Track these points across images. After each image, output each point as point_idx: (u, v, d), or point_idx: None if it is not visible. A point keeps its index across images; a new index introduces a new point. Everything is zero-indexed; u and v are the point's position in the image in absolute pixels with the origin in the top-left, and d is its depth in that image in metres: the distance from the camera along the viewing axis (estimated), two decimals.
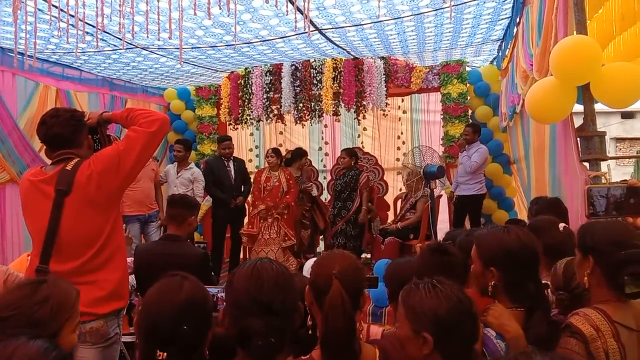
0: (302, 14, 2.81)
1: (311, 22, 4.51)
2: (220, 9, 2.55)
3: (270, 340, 1.29)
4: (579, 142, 2.87)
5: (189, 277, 1.50)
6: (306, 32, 3.44)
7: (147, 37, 3.74)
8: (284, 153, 7.68)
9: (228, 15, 2.67)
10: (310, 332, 1.70)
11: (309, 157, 7.52)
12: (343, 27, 4.81)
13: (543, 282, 1.85)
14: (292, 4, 2.47)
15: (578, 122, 2.93)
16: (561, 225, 2.31)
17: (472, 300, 1.42)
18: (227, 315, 1.40)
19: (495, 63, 6.58)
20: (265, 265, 1.42)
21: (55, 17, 2.94)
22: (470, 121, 6.73)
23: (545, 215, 2.64)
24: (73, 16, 2.93)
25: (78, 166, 2.21)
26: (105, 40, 4.69)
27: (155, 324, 1.39)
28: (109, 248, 2.27)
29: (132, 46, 4.96)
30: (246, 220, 6.64)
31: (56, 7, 2.90)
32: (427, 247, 2.11)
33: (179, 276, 1.48)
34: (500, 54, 6.00)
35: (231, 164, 6.25)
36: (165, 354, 1.37)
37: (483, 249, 1.81)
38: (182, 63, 4.41)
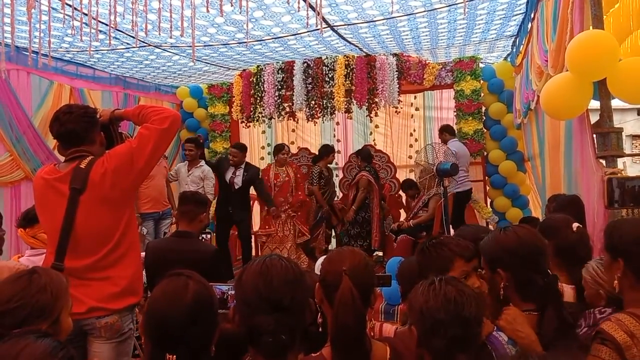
0: (314, 10, 2.79)
1: (323, 19, 4.50)
2: (232, 5, 2.54)
3: (280, 337, 1.28)
4: (595, 138, 2.83)
5: (193, 275, 1.49)
6: (318, 29, 3.42)
7: (159, 34, 3.74)
8: (295, 151, 7.69)
9: (240, 13, 2.66)
10: (320, 329, 1.69)
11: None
12: (355, 23, 4.79)
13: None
14: (305, 0, 2.46)
15: (594, 119, 2.88)
16: (574, 225, 2.23)
17: (473, 304, 1.37)
18: (237, 312, 1.39)
19: (509, 59, 6.51)
20: (275, 261, 1.40)
21: (68, 15, 2.96)
22: (484, 118, 6.68)
23: (563, 213, 2.59)
24: (86, 14, 2.94)
25: (92, 164, 2.22)
26: (119, 39, 4.71)
27: (164, 327, 1.38)
28: (123, 245, 2.30)
29: (145, 44, 4.98)
30: (257, 219, 6.63)
31: (70, 5, 2.91)
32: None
33: (184, 276, 1.47)
34: (514, 50, 5.93)
35: (238, 172, 6.10)
36: (174, 356, 1.36)
37: (486, 254, 1.80)
38: (194, 61, 4.41)
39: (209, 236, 3.63)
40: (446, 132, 6.49)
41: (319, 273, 1.72)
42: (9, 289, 1.50)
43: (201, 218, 3.25)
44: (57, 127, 2.26)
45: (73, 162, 2.26)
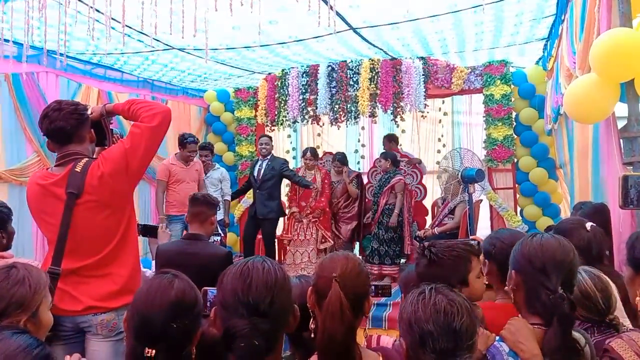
0: (326, 3, 2.74)
1: (345, 20, 4.44)
2: (242, 4, 2.52)
3: (253, 342, 1.22)
4: (622, 143, 2.67)
5: (179, 275, 1.48)
6: (332, 33, 3.36)
7: (171, 34, 3.75)
8: (320, 154, 7.64)
9: (252, 12, 2.64)
10: (313, 335, 1.63)
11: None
12: (377, 25, 4.71)
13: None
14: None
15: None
16: (588, 225, 2.21)
17: (465, 315, 1.28)
18: (217, 315, 1.34)
19: (540, 63, 6.30)
20: (257, 264, 1.35)
21: (83, 14, 2.99)
22: (514, 124, 6.48)
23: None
24: (103, 14, 2.96)
25: (87, 167, 2.20)
26: (142, 41, 4.76)
27: (146, 321, 1.38)
28: (122, 245, 2.29)
29: (169, 47, 5.03)
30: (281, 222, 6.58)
31: (86, 4, 2.94)
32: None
33: (170, 274, 1.47)
34: (545, 53, 5.73)
35: (264, 163, 6.09)
36: (154, 350, 1.34)
37: (508, 254, 1.72)
38: (207, 60, 4.42)
39: (219, 238, 3.61)
40: (393, 141, 7.01)
41: None
42: None
43: (212, 220, 3.22)
44: (47, 125, 2.24)
45: (67, 165, 2.23)
